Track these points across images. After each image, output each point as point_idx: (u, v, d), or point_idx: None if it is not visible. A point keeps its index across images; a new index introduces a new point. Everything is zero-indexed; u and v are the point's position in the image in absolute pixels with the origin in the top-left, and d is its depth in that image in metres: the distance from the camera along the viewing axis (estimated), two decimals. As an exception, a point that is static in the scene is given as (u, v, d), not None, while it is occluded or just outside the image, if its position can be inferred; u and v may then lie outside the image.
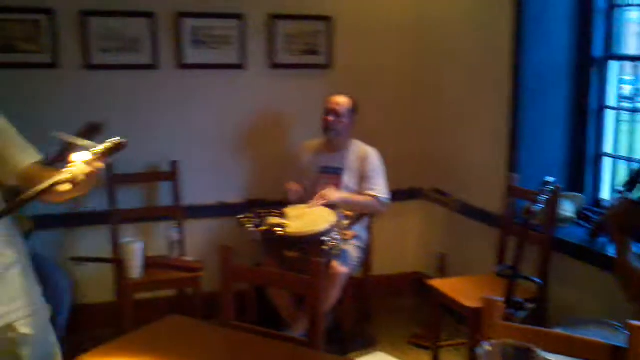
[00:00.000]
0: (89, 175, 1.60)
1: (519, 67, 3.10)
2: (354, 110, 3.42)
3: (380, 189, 3.35)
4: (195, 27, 3.54)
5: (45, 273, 2.83)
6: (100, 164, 1.62)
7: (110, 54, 3.42)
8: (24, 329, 1.82)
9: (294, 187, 3.38)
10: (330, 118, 3.36)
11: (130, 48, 3.45)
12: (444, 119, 3.84)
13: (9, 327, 1.80)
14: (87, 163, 1.59)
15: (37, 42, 3.29)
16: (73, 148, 1.62)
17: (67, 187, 1.60)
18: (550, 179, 2.46)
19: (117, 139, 1.59)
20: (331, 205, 3.21)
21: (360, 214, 3.38)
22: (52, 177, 1.58)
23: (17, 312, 1.82)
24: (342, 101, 3.38)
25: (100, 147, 1.59)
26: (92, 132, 2.93)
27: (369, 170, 3.37)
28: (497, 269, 2.68)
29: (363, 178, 3.37)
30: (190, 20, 3.53)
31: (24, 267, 1.89)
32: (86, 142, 1.61)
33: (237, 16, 3.60)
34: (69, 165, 1.59)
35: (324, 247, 3.00)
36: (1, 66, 3.25)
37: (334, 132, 3.38)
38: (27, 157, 1.86)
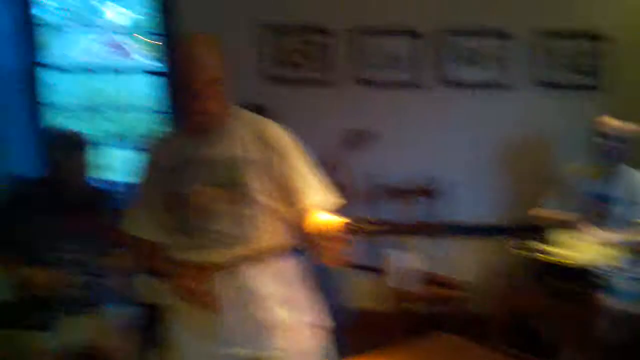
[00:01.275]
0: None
1: None
2: (632, 137, 3.20)
3: None
4: (462, 45, 3.63)
5: (321, 275, 3.12)
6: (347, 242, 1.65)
7: (378, 71, 3.64)
8: None
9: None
10: (607, 143, 3.19)
11: (395, 65, 3.64)
12: None
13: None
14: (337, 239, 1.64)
15: (317, 60, 3.64)
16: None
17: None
18: None
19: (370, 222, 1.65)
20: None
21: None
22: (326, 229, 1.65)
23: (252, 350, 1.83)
24: (621, 126, 3.20)
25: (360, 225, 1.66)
26: (357, 140, 3.08)
27: None
28: None
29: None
30: (458, 39, 3.62)
31: (288, 307, 1.89)
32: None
33: (504, 34, 3.62)
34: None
35: (595, 279, 2.85)
36: (286, 82, 3.64)
37: (610, 158, 3.21)
38: (314, 194, 1.84)
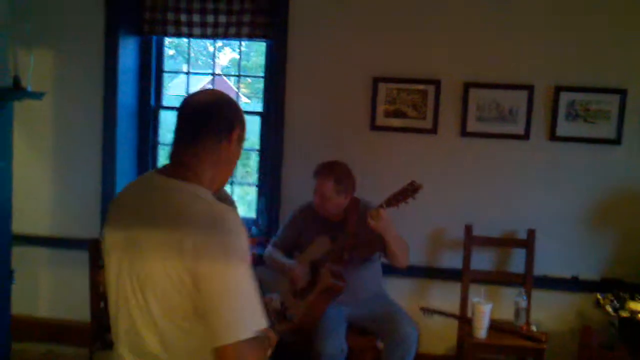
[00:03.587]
0: None
1: None
2: None
3: None
4: (573, 100, 3.76)
5: (395, 319, 3.36)
6: None
7: (485, 123, 3.83)
8: None
9: None
10: None
11: (504, 118, 3.82)
12: None
13: None
14: None
15: (421, 109, 3.90)
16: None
17: None
18: None
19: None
20: None
21: None
22: None
23: None
24: None
25: None
26: (412, 191, 3.20)
27: None
28: None
29: None
30: (568, 94, 3.76)
31: None
32: None
33: (618, 91, 3.72)
34: None
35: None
36: (392, 129, 3.91)
37: None
38: None
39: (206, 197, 1.72)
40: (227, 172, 1.86)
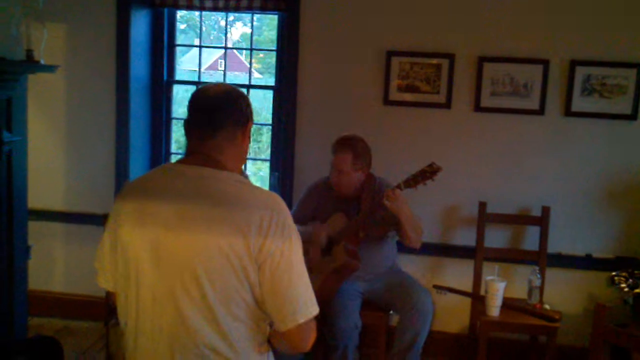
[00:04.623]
0: None
1: None
2: None
3: None
4: (588, 75, 3.66)
5: (411, 289, 3.32)
6: None
7: (499, 98, 3.75)
8: None
9: None
10: None
11: (519, 93, 3.73)
12: None
13: None
14: None
15: (435, 84, 3.81)
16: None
17: None
18: None
19: None
20: None
21: None
22: None
23: None
24: None
25: None
26: (431, 173, 3.13)
27: None
28: None
29: None
30: (584, 68, 3.66)
31: None
32: None
33: (635, 65, 3.61)
34: None
35: None
36: (405, 103, 3.83)
37: None
38: None
39: (249, 182, 1.76)
40: (241, 163, 1.88)
